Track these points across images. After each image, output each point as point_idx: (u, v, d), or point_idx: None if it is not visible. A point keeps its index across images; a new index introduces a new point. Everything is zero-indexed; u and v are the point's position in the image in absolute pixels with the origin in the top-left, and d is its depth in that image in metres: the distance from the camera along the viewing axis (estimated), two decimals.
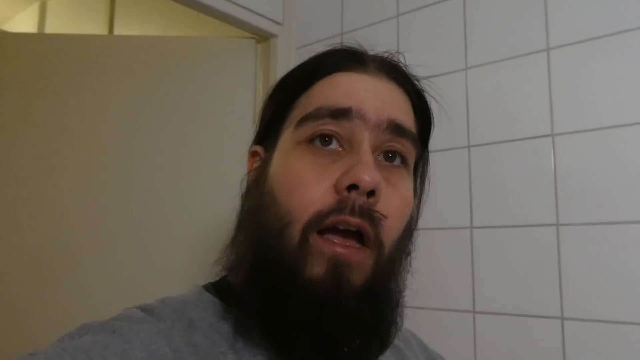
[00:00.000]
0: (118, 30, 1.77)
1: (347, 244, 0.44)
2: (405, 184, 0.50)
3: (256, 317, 0.44)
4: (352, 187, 0.43)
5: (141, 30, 1.80)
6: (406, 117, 0.50)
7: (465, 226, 1.11)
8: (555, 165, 1.01)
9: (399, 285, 0.49)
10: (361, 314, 0.43)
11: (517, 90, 1.07)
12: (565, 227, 0.99)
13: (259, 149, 0.54)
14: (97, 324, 0.43)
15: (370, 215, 0.44)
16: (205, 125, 1.34)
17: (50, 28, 1.86)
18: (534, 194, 1.03)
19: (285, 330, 0.43)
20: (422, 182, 0.57)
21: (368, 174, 0.43)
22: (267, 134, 0.53)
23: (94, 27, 1.79)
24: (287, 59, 1.39)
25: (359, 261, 0.44)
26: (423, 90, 0.54)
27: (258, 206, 0.48)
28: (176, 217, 1.29)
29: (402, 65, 0.54)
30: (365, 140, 0.46)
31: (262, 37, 1.41)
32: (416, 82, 0.54)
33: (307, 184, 0.45)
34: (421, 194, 0.56)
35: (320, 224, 0.43)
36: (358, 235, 0.44)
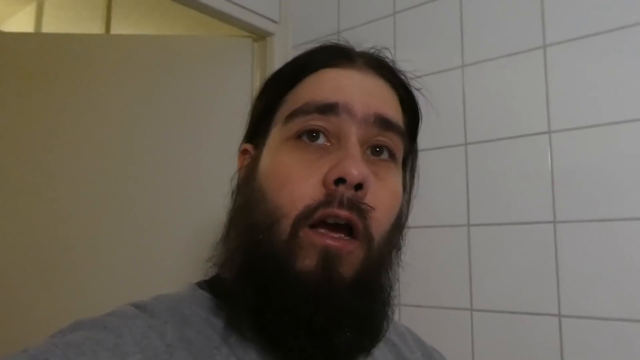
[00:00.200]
0: (115, 30, 1.77)
1: (337, 236, 0.44)
2: (394, 177, 0.50)
3: (249, 311, 0.44)
4: (340, 180, 0.44)
5: (138, 29, 1.80)
6: (393, 112, 0.50)
7: (462, 224, 1.11)
8: (552, 162, 1.01)
9: (390, 280, 0.49)
10: (352, 305, 0.43)
11: (513, 87, 1.07)
12: (562, 224, 0.99)
13: (249, 146, 0.55)
14: (89, 320, 0.43)
15: (358, 207, 0.44)
16: (202, 123, 1.34)
17: (47, 28, 1.86)
18: (531, 191, 1.03)
19: (277, 323, 0.43)
20: (412, 176, 0.57)
21: (355, 168, 0.43)
22: (256, 131, 0.54)
23: (91, 26, 1.79)
24: (284, 57, 1.39)
25: (350, 252, 0.44)
26: (410, 85, 0.54)
27: (248, 203, 0.49)
28: (173, 216, 1.30)
29: (389, 60, 0.54)
30: (353, 134, 0.47)
31: (259, 36, 1.41)
32: (403, 77, 0.54)
33: (296, 180, 0.45)
34: (411, 189, 0.56)
35: (310, 218, 0.44)
36: (347, 228, 0.44)
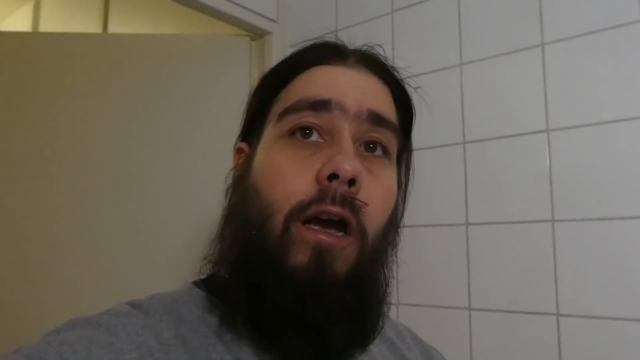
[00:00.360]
0: (112, 29, 1.77)
1: (330, 232, 0.44)
2: (388, 173, 0.50)
3: (243, 309, 0.44)
4: (333, 176, 0.44)
5: (135, 28, 1.80)
6: (386, 108, 0.50)
7: (460, 223, 1.11)
8: (550, 161, 1.01)
9: (386, 276, 0.49)
10: (345, 301, 0.43)
11: (512, 86, 1.07)
12: (560, 223, 0.99)
13: (243, 145, 0.55)
14: (83, 319, 0.43)
15: (351, 203, 0.44)
16: (199, 122, 1.34)
17: (45, 27, 1.86)
18: (530, 190, 1.03)
19: (271, 319, 0.43)
20: (407, 173, 0.57)
21: (348, 163, 0.43)
22: (250, 129, 0.54)
23: (88, 25, 1.79)
24: (282, 56, 1.37)
25: (343, 248, 0.44)
26: (403, 81, 0.54)
27: (242, 200, 0.49)
28: (169, 214, 1.29)
29: (381, 57, 0.54)
30: (346, 131, 0.47)
31: (257, 35, 1.41)
32: (396, 73, 0.54)
33: (289, 176, 0.45)
34: (406, 186, 0.56)
35: (302, 214, 0.44)
36: (341, 225, 0.44)
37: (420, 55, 1.20)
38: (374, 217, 0.46)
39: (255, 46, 1.41)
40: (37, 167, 1.29)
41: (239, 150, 0.56)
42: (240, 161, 0.54)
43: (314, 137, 0.47)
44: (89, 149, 1.31)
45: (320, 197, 0.44)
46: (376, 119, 0.48)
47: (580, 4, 1.00)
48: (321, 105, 0.47)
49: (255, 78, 1.37)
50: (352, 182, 0.44)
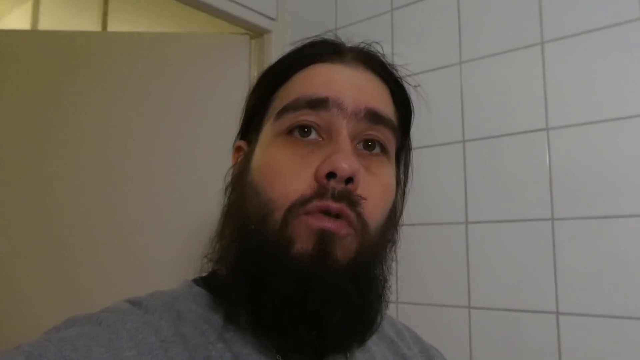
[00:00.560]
0: (112, 27, 1.77)
1: (333, 218, 0.44)
2: (386, 171, 0.50)
3: (244, 306, 0.44)
4: (331, 175, 0.44)
5: (135, 26, 1.80)
6: (384, 106, 0.50)
7: (460, 221, 1.11)
8: (550, 159, 1.01)
9: (385, 273, 0.49)
10: (345, 290, 0.43)
11: (511, 84, 1.07)
12: (560, 221, 0.99)
13: (242, 143, 0.55)
14: (83, 316, 0.43)
15: (349, 198, 0.44)
16: (199, 121, 1.34)
17: (44, 25, 1.86)
18: (529, 189, 1.03)
19: (271, 307, 0.43)
20: (406, 171, 0.57)
21: (345, 161, 0.43)
22: (249, 128, 0.54)
23: (88, 24, 1.79)
24: (281, 54, 1.39)
25: (344, 237, 0.44)
26: (401, 79, 0.54)
27: (241, 198, 0.49)
28: (169, 212, 1.30)
29: (379, 54, 0.54)
30: (343, 129, 0.47)
31: (256, 33, 1.40)
32: (394, 71, 0.54)
33: (288, 174, 0.45)
34: (405, 184, 0.56)
35: (304, 207, 0.44)
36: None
37: (420, 53, 1.20)
38: (373, 211, 0.46)
39: (254, 45, 1.41)
40: (35, 165, 1.29)
41: (237, 149, 0.56)
42: (239, 159, 0.54)
43: (312, 135, 0.47)
44: (87, 146, 1.31)
45: (320, 193, 0.44)
46: (374, 117, 0.48)
47: (580, 2, 1.00)
48: (319, 104, 0.47)
49: (254, 76, 1.37)
50: (349, 180, 0.44)
